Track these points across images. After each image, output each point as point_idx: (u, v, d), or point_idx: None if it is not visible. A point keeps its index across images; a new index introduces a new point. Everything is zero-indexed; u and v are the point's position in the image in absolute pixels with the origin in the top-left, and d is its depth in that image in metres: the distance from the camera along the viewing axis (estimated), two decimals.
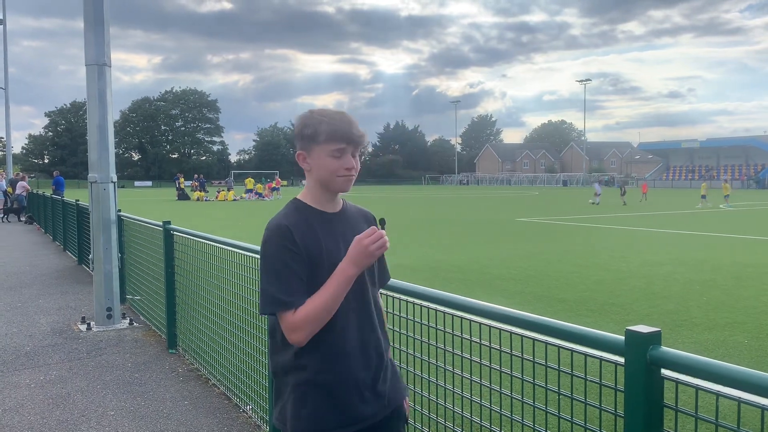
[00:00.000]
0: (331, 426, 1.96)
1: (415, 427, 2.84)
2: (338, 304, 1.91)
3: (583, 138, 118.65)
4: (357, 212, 2.17)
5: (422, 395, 2.82)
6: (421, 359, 2.78)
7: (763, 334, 6.85)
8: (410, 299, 2.67)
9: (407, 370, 2.85)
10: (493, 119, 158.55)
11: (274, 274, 1.89)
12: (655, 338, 1.67)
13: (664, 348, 1.65)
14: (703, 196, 35.73)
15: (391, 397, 2.09)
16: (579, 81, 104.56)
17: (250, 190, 47.27)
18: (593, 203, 36.31)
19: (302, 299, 1.87)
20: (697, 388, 1.60)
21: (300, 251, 1.91)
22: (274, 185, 49.43)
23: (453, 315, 2.52)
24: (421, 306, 2.68)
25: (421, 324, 2.72)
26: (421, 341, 2.75)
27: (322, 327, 1.91)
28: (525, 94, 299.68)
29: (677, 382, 1.65)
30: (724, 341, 6.60)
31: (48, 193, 20.78)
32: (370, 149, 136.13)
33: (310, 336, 1.90)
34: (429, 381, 2.78)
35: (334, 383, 1.96)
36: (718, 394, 1.55)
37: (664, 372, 1.66)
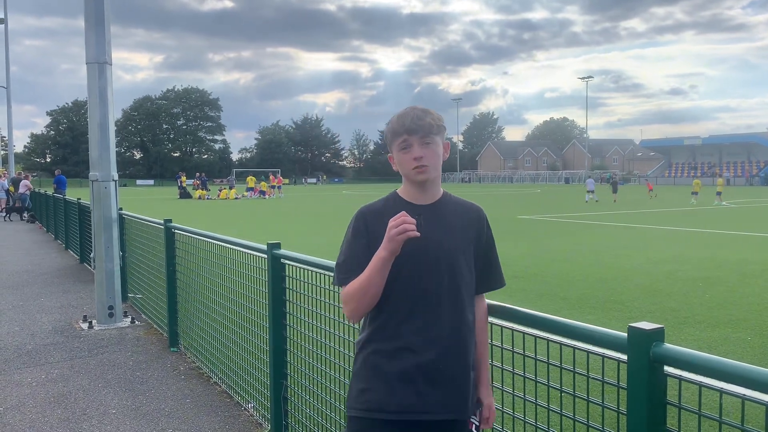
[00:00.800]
0: (374, 407, 2.01)
1: None
2: (375, 285, 1.96)
3: (585, 135, 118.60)
4: (459, 207, 2.16)
5: None
6: None
7: (767, 331, 6.83)
8: None
9: None
10: (495, 117, 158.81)
11: (341, 254, 2.08)
12: (658, 335, 1.65)
13: (667, 345, 1.64)
14: (695, 193, 35.68)
15: (447, 403, 2.03)
16: (581, 78, 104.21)
17: (251, 189, 47.27)
18: (596, 201, 35.80)
19: (352, 277, 2.01)
20: (701, 386, 1.59)
21: (366, 236, 2.03)
22: (272, 183, 49.36)
23: None
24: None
25: None
26: None
27: (380, 309, 2.02)
28: (527, 91, 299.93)
29: (680, 379, 1.64)
30: (726, 338, 6.58)
31: (50, 191, 20.80)
32: (371, 147, 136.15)
33: (358, 309, 2.02)
34: None
35: (384, 365, 2.00)
36: (721, 392, 1.53)
37: (667, 369, 1.65)
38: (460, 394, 2.05)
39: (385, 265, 1.94)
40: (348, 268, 2.04)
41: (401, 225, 1.88)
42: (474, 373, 2.13)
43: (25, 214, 24.32)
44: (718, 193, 34.95)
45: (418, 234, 1.89)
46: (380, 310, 2.04)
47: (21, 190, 25.72)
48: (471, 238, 2.12)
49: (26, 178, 27.78)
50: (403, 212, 1.91)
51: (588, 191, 37.24)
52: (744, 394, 1.46)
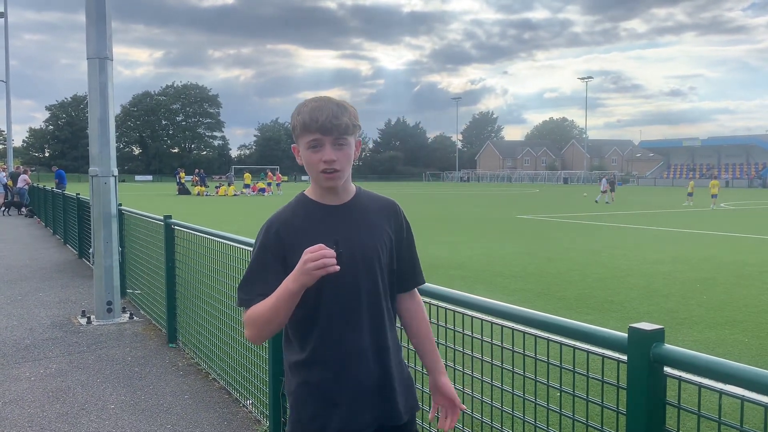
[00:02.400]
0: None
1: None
2: (280, 315, 1.81)
3: (584, 136, 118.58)
4: (374, 203, 2.01)
5: (422, 390, 2.81)
6: None
7: (764, 333, 6.85)
8: None
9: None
10: (495, 116, 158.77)
11: (248, 270, 1.92)
12: (658, 336, 1.66)
13: (667, 345, 1.64)
14: (690, 194, 35.60)
15: (397, 408, 1.97)
16: (581, 78, 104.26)
17: (248, 185, 47.24)
18: (607, 202, 35.17)
19: (257, 300, 1.84)
20: (700, 386, 1.60)
21: (277, 251, 1.86)
22: (268, 181, 49.33)
23: (454, 311, 2.52)
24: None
25: None
26: None
27: (310, 328, 1.89)
28: (526, 91, 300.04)
29: (680, 379, 1.65)
30: (724, 340, 6.60)
31: (51, 186, 20.76)
32: (371, 145, 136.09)
33: (260, 336, 1.89)
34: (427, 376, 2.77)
35: (332, 386, 1.89)
36: (721, 392, 1.54)
37: (667, 369, 1.65)
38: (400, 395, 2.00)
39: (293, 298, 1.78)
40: (250, 288, 1.87)
41: (320, 260, 1.70)
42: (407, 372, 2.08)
43: (24, 209, 24.30)
44: (714, 196, 33.06)
45: (337, 269, 1.72)
46: (313, 324, 1.89)
47: (19, 184, 25.69)
48: (390, 235, 1.98)
49: (25, 172, 27.75)
50: (321, 245, 1.73)
51: (602, 191, 37.12)
52: (743, 395, 1.47)
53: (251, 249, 4.19)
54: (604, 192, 36.81)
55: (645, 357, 1.65)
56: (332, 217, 1.92)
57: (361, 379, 1.90)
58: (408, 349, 2.32)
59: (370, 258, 1.91)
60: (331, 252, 1.72)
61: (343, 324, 1.89)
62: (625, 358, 1.73)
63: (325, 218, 1.91)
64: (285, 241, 1.87)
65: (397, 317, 2.11)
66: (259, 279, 1.87)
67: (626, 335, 1.71)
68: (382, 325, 1.96)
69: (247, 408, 4.58)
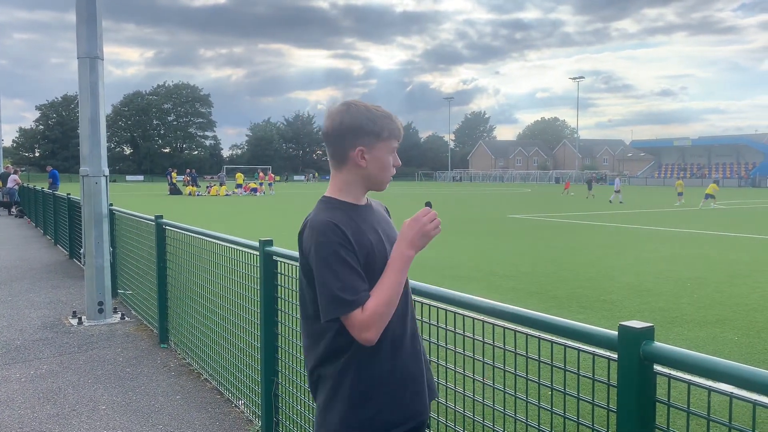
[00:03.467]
0: (392, 425, 1.92)
1: None
2: (401, 290, 1.87)
3: (575, 135, 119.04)
4: (377, 204, 2.15)
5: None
6: None
7: (754, 331, 6.90)
8: None
9: None
10: (487, 116, 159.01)
11: (333, 275, 1.78)
12: (648, 334, 1.67)
13: (657, 343, 1.66)
14: (680, 194, 35.79)
15: (432, 392, 2.08)
16: (572, 78, 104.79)
17: (240, 185, 47.15)
18: (620, 202, 34.97)
19: (367, 296, 1.80)
20: (689, 384, 1.61)
21: (354, 247, 1.84)
22: (260, 181, 49.22)
23: (446, 310, 2.53)
24: (413, 301, 2.67)
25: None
26: None
27: None
28: (518, 91, 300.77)
29: (669, 377, 1.66)
30: (714, 338, 6.64)
31: (43, 187, 20.62)
32: None
33: (382, 329, 1.82)
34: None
35: (393, 378, 1.92)
36: (710, 390, 1.56)
37: (657, 367, 1.67)
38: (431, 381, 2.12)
39: (408, 265, 1.86)
40: (356, 287, 1.79)
41: (436, 220, 1.86)
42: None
43: (14, 209, 24.14)
44: (708, 196, 31.99)
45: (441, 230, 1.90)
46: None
47: (9, 184, 25.51)
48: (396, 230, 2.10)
49: (15, 172, 27.57)
50: (426, 208, 1.88)
51: (615, 191, 37.23)
52: (732, 393, 1.49)
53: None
54: (618, 192, 36.98)
55: (635, 355, 1.66)
56: (366, 215, 1.99)
57: (415, 366, 1.99)
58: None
59: None
60: (435, 213, 1.87)
61: (401, 312, 1.96)
62: (615, 356, 1.74)
63: (363, 216, 1.97)
64: (352, 239, 1.86)
65: None
66: (354, 276, 1.80)
67: (617, 333, 1.72)
68: (413, 317, 2.06)
69: (239, 408, 4.57)
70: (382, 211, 2.12)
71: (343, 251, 1.81)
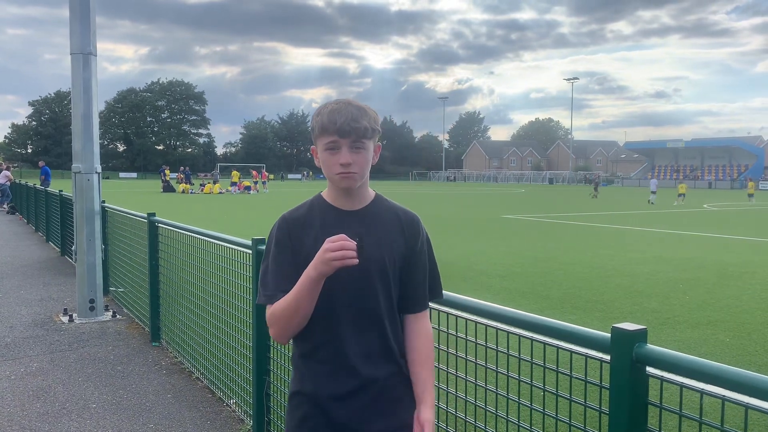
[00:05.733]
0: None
1: None
2: (304, 305, 1.80)
3: (569, 136, 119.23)
4: (390, 213, 1.97)
5: None
6: None
7: (745, 333, 6.93)
8: None
9: None
10: (481, 116, 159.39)
11: (264, 267, 1.92)
12: (640, 336, 1.67)
13: (649, 345, 1.65)
14: (681, 195, 36.61)
15: (365, 425, 1.90)
16: (567, 79, 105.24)
17: (235, 183, 47.01)
18: (652, 203, 35.28)
19: (279, 296, 1.84)
20: (682, 386, 1.61)
21: (291, 246, 1.87)
22: (254, 179, 49.07)
23: (438, 310, 2.52)
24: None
25: None
26: None
27: (306, 331, 1.89)
28: (513, 91, 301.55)
29: (662, 379, 1.66)
30: (706, 340, 6.66)
31: (35, 183, 20.49)
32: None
33: (285, 333, 1.88)
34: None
35: (309, 393, 1.92)
36: (702, 392, 1.55)
37: (649, 369, 1.66)
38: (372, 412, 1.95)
39: (315, 286, 1.77)
40: (274, 284, 1.86)
41: (340, 251, 1.69)
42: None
43: (5, 206, 24.00)
44: (681, 195, 36.57)
45: (356, 261, 1.71)
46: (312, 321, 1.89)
47: (1, 180, 25.36)
48: (402, 250, 1.93)
49: (7, 168, 27.39)
50: (343, 236, 1.71)
51: (652, 192, 37.47)
52: (724, 395, 1.49)
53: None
54: (654, 192, 37.19)
55: (627, 357, 1.66)
56: (343, 221, 1.89)
57: (332, 388, 1.91)
58: None
59: (373, 269, 1.88)
60: (352, 244, 1.71)
61: (326, 327, 1.91)
62: (608, 358, 1.74)
63: (336, 222, 1.88)
64: (294, 239, 1.88)
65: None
66: (277, 275, 1.87)
67: (609, 335, 1.72)
68: (373, 337, 1.91)
69: (230, 407, 4.56)
70: (391, 222, 1.95)
71: (277, 248, 1.90)
